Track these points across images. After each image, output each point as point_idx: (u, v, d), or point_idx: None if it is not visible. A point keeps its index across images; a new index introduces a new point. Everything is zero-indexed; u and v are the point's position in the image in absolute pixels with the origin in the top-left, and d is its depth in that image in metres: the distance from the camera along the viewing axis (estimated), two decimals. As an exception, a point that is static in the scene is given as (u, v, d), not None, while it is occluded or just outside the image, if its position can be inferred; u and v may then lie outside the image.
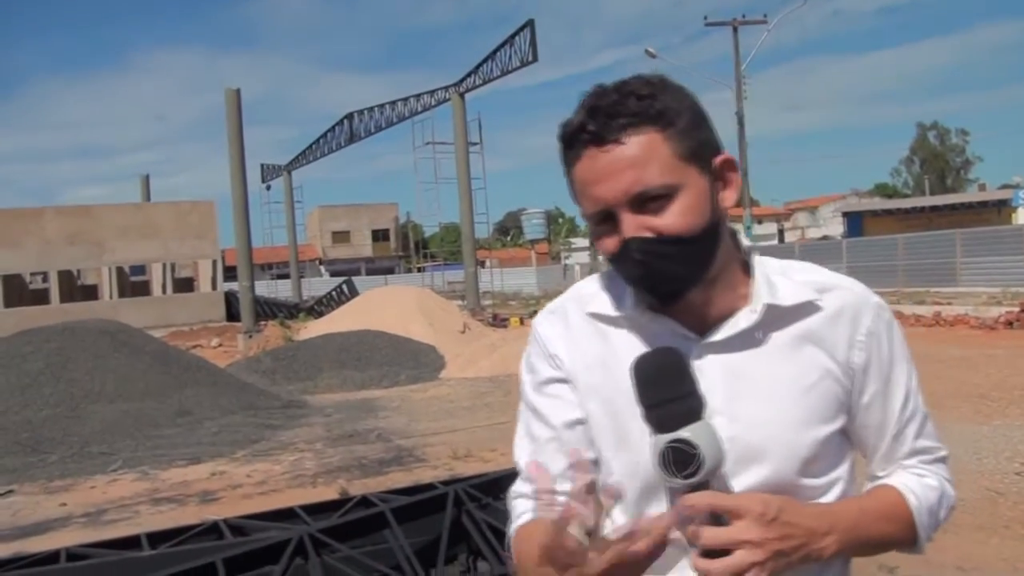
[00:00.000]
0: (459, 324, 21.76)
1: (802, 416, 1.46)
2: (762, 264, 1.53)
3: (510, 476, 1.64)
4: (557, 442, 1.55)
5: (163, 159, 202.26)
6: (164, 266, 47.52)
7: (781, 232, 69.47)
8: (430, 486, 4.75)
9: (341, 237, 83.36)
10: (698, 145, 1.41)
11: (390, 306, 22.03)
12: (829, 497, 1.49)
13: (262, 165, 56.72)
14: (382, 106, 42.65)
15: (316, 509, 4.68)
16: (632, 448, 1.44)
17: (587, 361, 1.54)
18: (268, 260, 69.25)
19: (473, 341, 19.84)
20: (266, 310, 37.18)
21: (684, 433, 1.29)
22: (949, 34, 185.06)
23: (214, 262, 46.23)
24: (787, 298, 1.47)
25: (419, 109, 39.75)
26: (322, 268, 78.38)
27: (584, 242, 70.74)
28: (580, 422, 1.54)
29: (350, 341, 18.70)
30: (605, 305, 1.53)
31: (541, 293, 50.62)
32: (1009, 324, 18.31)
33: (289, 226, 53.28)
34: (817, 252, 38.35)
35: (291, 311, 37.73)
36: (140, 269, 49.23)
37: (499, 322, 28.47)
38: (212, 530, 4.37)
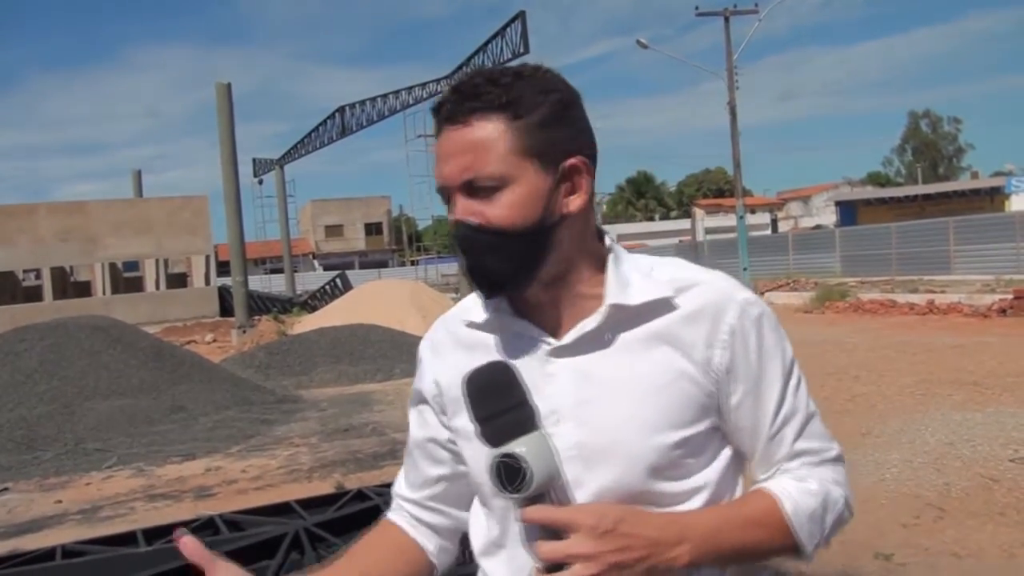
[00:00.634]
0: (453, 317, 21.76)
1: (650, 419, 1.38)
2: (621, 263, 1.45)
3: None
4: (413, 454, 1.66)
5: (155, 155, 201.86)
6: (157, 262, 47.44)
7: (774, 222, 69.64)
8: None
9: (334, 231, 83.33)
10: (543, 143, 1.36)
11: (384, 300, 22.05)
12: (693, 504, 1.40)
13: (254, 159, 56.71)
14: (374, 99, 42.68)
15: (312, 503, 4.68)
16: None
17: (451, 377, 1.51)
18: (261, 255, 69.26)
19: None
20: (260, 305, 37.19)
21: (512, 447, 1.28)
22: (941, 22, 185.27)
23: (207, 257, 46.20)
24: (636, 297, 1.40)
25: (411, 102, 39.81)
26: (315, 262, 78.36)
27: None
28: (431, 441, 1.61)
29: (344, 335, 18.68)
30: (479, 313, 1.51)
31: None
32: (1002, 312, 18.32)
33: (282, 220, 53.24)
34: (810, 241, 38.46)
35: (285, 306, 37.73)
36: (133, 265, 49.22)
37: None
38: (208, 525, 4.37)
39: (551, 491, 1.31)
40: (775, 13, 34.62)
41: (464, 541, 1.67)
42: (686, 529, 1.33)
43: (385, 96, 41.89)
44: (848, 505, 1.49)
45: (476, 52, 33.58)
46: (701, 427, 1.40)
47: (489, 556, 1.52)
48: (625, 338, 1.41)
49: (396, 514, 1.70)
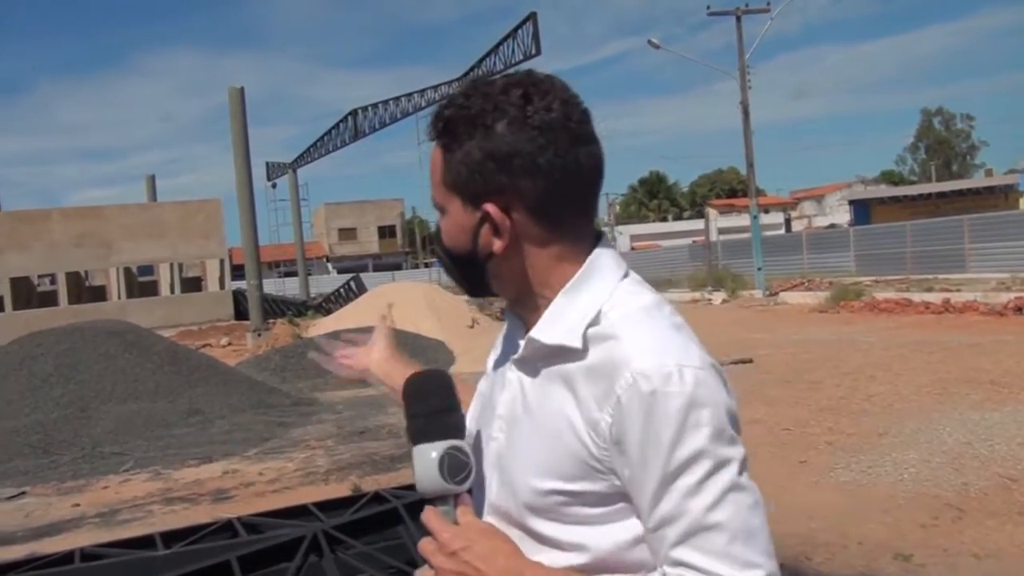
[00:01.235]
0: (467, 319, 21.77)
1: (532, 459, 1.35)
2: (579, 294, 1.36)
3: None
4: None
5: (169, 159, 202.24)
6: (172, 266, 47.60)
7: (788, 221, 69.48)
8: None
9: (347, 234, 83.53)
10: (466, 181, 1.34)
11: (399, 302, 22.02)
12: (575, 558, 1.33)
13: (267, 163, 56.79)
14: (386, 102, 42.76)
15: (329, 506, 4.68)
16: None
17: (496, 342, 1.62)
18: (275, 258, 69.39)
19: (482, 336, 19.83)
20: (274, 308, 37.24)
21: (416, 449, 1.36)
22: (954, 19, 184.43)
23: (221, 261, 46.32)
24: (550, 336, 1.35)
25: (423, 104, 39.84)
26: (329, 265, 78.52)
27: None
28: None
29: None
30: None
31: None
32: (1018, 310, 18.22)
33: (295, 224, 53.33)
34: (824, 241, 38.32)
35: (299, 309, 37.77)
36: (148, 269, 49.33)
37: (507, 316, 28.43)
38: (226, 528, 4.38)
39: (455, 496, 1.37)
40: (787, 12, 34.59)
41: None
42: None
43: (397, 99, 41.98)
44: None
45: (488, 54, 33.61)
46: (589, 486, 1.31)
47: None
48: (546, 372, 1.38)
49: None
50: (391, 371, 2.20)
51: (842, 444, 8.43)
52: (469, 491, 1.38)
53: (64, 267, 42.77)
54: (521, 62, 31.06)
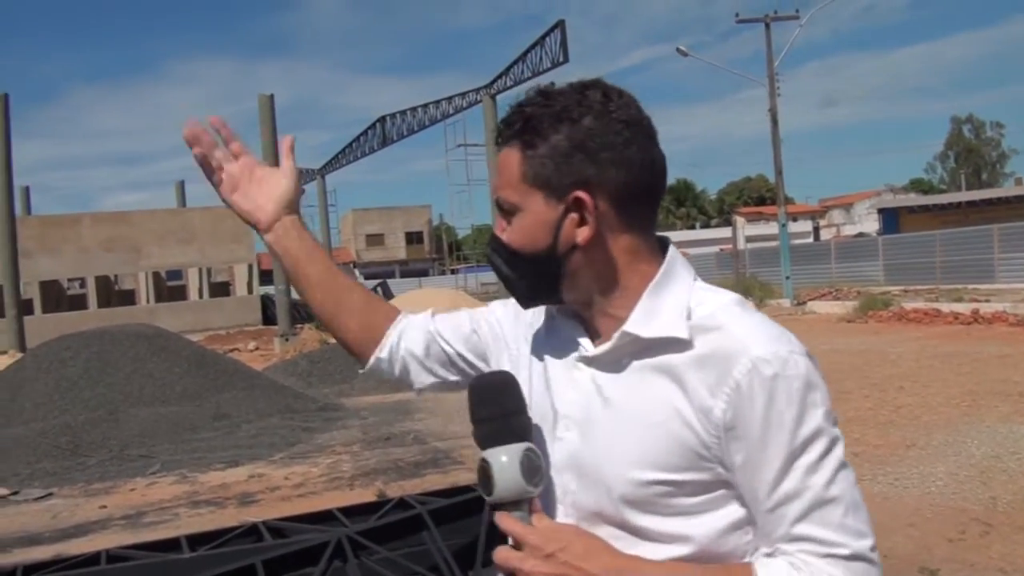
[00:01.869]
0: (493, 326, 21.77)
1: (631, 453, 1.37)
2: (664, 290, 1.42)
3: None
4: (471, 317, 1.77)
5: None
6: (200, 271, 47.90)
7: (816, 230, 69.11)
8: (467, 488, 4.75)
9: (375, 240, 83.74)
10: (552, 174, 1.38)
11: (425, 308, 22.01)
12: (676, 550, 1.36)
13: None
14: (414, 109, 42.84)
15: (354, 511, 4.69)
16: None
17: (516, 331, 1.65)
18: (303, 264, 69.53)
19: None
20: (302, 313, 37.27)
21: (490, 454, 1.36)
22: (983, 27, 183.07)
23: (250, 266, 46.56)
24: (651, 330, 1.38)
25: (451, 112, 39.94)
26: (356, 271, 78.65)
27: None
28: (475, 333, 1.73)
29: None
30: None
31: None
32: (1049, 321, 18.06)
33: (323, 230, 53.57)
34: (853, 250, 38.06)
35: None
36: (177, 274, 49.69)
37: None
38: (251, 532, 4.39)
39: (528, 500, 1.37)
40: (816, 19, 34.44)
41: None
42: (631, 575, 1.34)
43: (425, 106, 42.05)
44: None
45: (516, 61, 33.62)
46: (694, 475, 1.35)
47: None
48: (638, 366, 1.41)
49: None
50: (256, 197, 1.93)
51: (869, 456, 8.38)
52: (519, 504, 1.38)
53: (94, 271, 43.10)
54: (549, 70, 31.07)
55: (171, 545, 4.28)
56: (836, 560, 1.29)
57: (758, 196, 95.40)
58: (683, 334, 1.36)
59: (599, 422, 1.42)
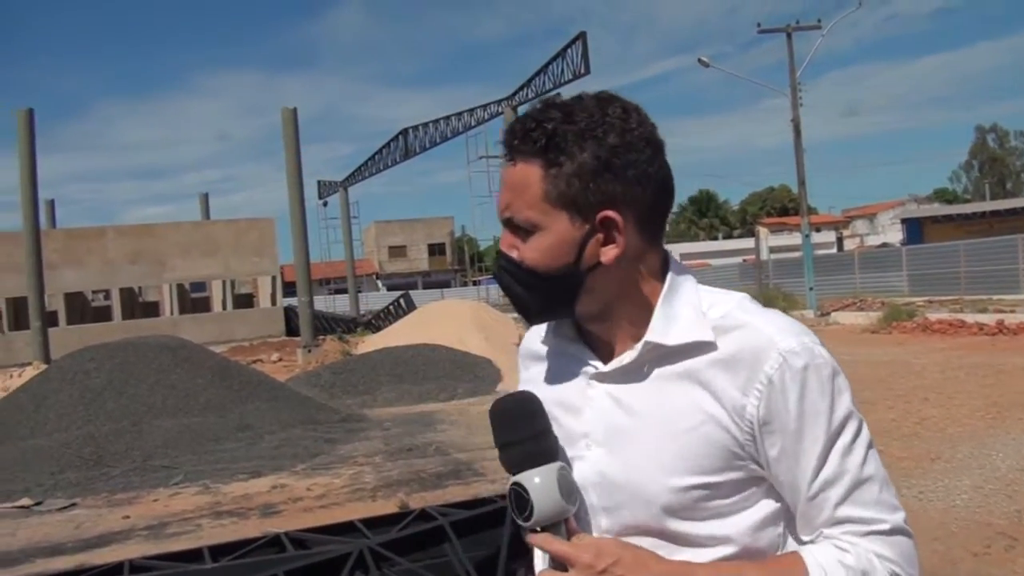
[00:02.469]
0: (515, 337, 21.75)
1: (668, 461, 1.37)
2: (676, 298, 1.43)
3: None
4: None
5: (222, 178, 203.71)
6: (224, 283, 48.08)
7: (840, 240, 68.69)
8: (489, 500, 4.74)
9: (397, 251, 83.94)
10: (576, 194, 1.36)
11: (446, 320, 22.11)
12: (721, 551, 1.38)
13: (319, 182, 57.23)
14: (436, 121, 42.88)
15: (376, 523, 4.70)
16: None
17: (530, 374, 1.64)
18: (326, 275, 69.87)
19: (529, 354, 19.81)
20: (324, 325, 37.48)
21: (523, 478, 1.34)
22: (1007, 36, 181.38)
23: (273, 278, 46.74)
24: (674, 337, 1.39)
25: (473, 123, 39.95)
26: (379, 282, 78.88)
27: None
28: None
29: (407, 355, 18.77)
30: (546, 329, 1.59)
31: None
32: (1076, 332, 17.90)
33: (346, 241, 53.63)
34: (877, 260, 37.82)
35: (349, 325, 38.01)
36: (201, 286, 49.92)
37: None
38: (274, 543, 4.40)
39: (565, 519, 1.36)
40: (838, 29, 34.33)
41: None
42: None
43: (447, 118, 42.10)
44: None
45: (537, 73, 33.61)
46: (730, 475, 1.37)
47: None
48: (661, 374, 1.41)
49: None
50: None
51: (893, 468, 8.31)
52: (555, 526, 1.37)
53: (118, 283, 43.38)
54: (570, 81, 31.05)
55: (193, 556, 4.29)
56: (878, 536, 1.34)
57: (781, 207, 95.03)
58: (708, 336, 1.38)
59: (626, 435, 1.42)
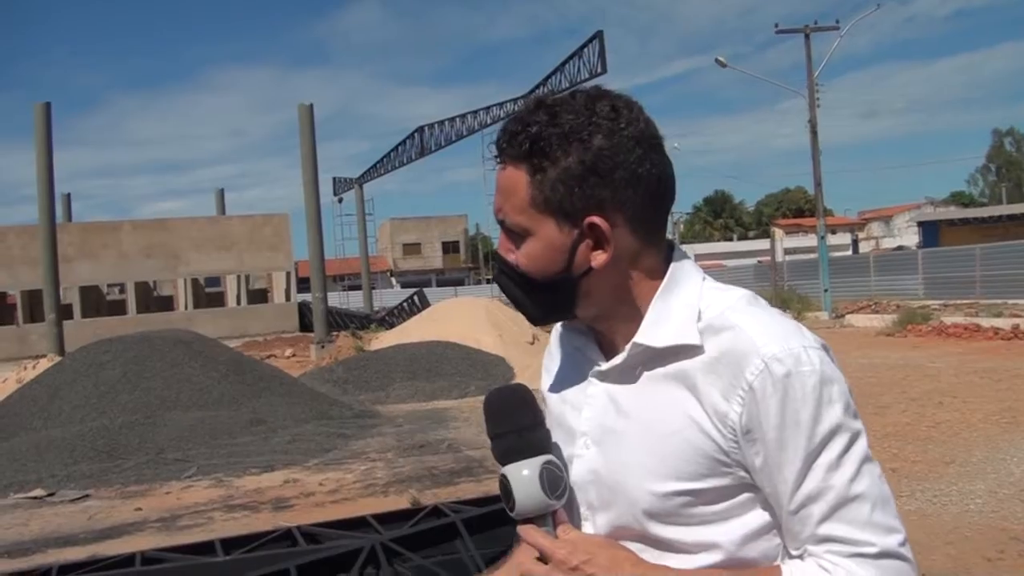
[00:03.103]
0: (528, 335, 21.73)
1: (650, 465, 1.35)
2: (672, 297, 1.39)
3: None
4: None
5: (238, 173, 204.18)
6: (239, 278, 48.26)
7: (855, 242, 68.54)
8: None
9: (412, 249, 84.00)
10: (564, 199, 1.32)
11: (460, 317, 22.09)
12: (705, 558, 1.34)
13: (334, 178, 57.24)
14: (452, 119, 42.89)
15: (388, 518, 4.70)
16: None
17: (550, 365, 1.64)
18: (340, 272, 69.87)
19: (542, 352, 19.77)
20: (338, 321, 37.52)
21: (509, 469, 1.35)
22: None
23: (288, 274, 46.87)
24: (661, 339, 1.35)
25: (488, 122, 39.92)
26: (393, 279, 78.97)
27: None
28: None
29: (420, 352, 18.78)
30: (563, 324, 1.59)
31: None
32: (1092, 337, 17.78)
33: (361, 238, 53.65)
34: (892, 263, 37.69)
35: (363, 322, 38.03)
36: (215, 281, 50.07)
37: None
38: (285, 537, 4.41)
39: (552, 513, 1.36)
40: (856, 30, 34.20)
41: None
42: None
43: (463, 116, 42.11)
44: None
45: (553, 72, 33.60)
46: (714, 482, 1.33)
47: None
48: (651, 376, 1.39)
49: None
50: None
51: (907, 472, 8.28)
52: (543, 518, 1.37)
53: (133, 277, 43.55)
54: (587, 80, 30.98)
55: (205, 548, 4.30)
56: (864, 559, 1.26)
57: (797, 208, 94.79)
58: (694, 340, 1.34)
59: (616, 436, 1.41)
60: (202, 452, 10.99)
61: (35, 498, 9.35)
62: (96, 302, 46.01)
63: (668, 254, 1.44)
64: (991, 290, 30.05)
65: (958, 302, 29.54)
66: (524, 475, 1.33)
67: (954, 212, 62.06)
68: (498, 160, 1.40)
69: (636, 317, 1.40)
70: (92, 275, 42.82)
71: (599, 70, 30.54)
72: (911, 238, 61.61)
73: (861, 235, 76.55)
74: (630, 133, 1.33)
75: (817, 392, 1.27)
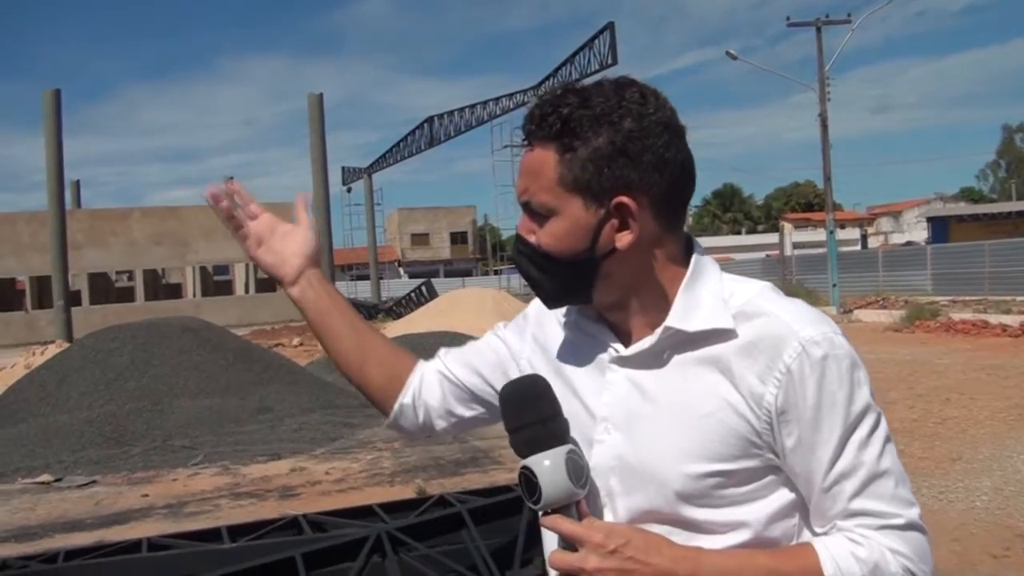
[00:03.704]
0: (536, 327, 21.78)
1: (684, 447, 1.37)
2: (698, 285, 1.43)
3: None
4: (480, 348, 1.79)
5: (247, 162, 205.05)
6: (247, 266, 48.28)
7: (864, 237, 68.38)
8: (507, 488, 4.74)
9: (420, 239, 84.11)
10: (590, 178, 1.36)
11: (467, 308, 22.14)
12: (734, 538, 1.38)
13: (343, 168, 57.52)
14: (461, 110, 42.98)
15: (394, 508, 4.70)
16: None
17: (539, 340, 1.64)
18: (348, 261, 70.06)
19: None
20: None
21: (532, 461, 1.34)
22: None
23: (296, 263, 46.83)
24: (695, 323, 1.39)
25: (498, 112, 40.01)
26: (401, 270, 79.05)
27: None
28: (484, 360, 1.74)
29: (428, 342, 18.73)
30: (568, 308, 1.58)
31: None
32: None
33: (369, 228, 53.78)
34: (901, 258, 37.60)
35: (370, 312, 38.07)
36: (223, 269, 50.15)
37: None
38: (292, 525, 4.41)
39: (576, 502, 1.35)
40: (868, 24, 34.09)
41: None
42: (700, 566, 1.33)
43: (473, 107, 42.17)
44: None
45: (564, 63, 33.62)
46: (745, 463, 1.37)
47: None
48: (680, 360, 1.41)
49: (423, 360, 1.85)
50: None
51: (913, 468, 8.27)
52: (567, 508, 1.37)
53: (142, 264, 43.68)
54: (597, 71, 30.97)
55: (212, 535, 4.30)
56: (892, 531, 1.33)
57: (806, 202, 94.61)
58: (728, 324, 1.38)
59: (644, 420, 1.42)
60: (209, 439, 11.01)
61: (42, 483, 9.38)
62: (105, 289, 46.17)
63: (687, 245, 1.47)
64: (1000, 286, 29.98)
65: (967, 298, 29.49)
66: (548, 465, 1.33)
67: (963, 208, 61.89)
68: (526, 142, 1.43)
69: (658, 302, 1.43)
70: (101, 262, 42.94)
71: (610, 61, 30.56)
72: (920, 233, 61.48)
73: (870, 230, 76.36)
74: (658, 118, 1.36)
75: (851, 374, 1.34)
